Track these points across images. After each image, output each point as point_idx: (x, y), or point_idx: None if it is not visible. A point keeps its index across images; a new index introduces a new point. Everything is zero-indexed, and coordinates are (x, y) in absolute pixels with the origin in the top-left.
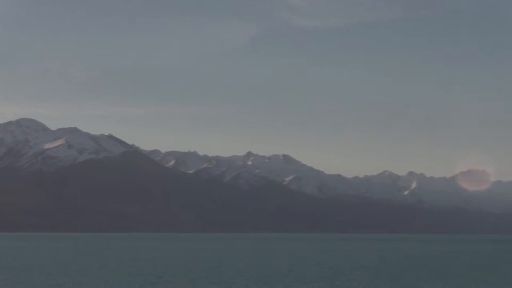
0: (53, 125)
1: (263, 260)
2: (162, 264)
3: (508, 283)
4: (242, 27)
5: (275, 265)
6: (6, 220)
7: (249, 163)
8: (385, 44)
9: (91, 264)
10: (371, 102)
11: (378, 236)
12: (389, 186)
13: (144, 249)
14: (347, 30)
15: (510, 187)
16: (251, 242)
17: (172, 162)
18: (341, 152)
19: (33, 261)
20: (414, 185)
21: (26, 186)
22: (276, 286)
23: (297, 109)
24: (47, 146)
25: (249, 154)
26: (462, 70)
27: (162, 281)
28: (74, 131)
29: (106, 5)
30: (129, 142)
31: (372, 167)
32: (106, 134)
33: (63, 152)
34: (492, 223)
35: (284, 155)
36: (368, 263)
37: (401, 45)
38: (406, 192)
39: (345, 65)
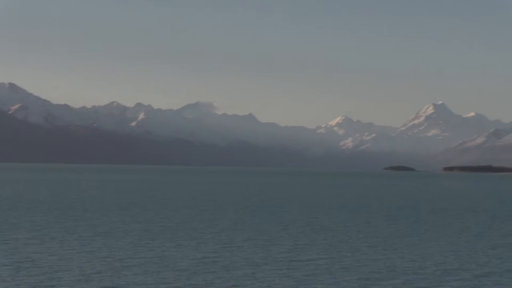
0: None
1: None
2: None
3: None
4: None
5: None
6: None
7: None
8: None
9: None
10: (99, 31)
11: (104, 167)
12: (116, 117)
13: None
14: None
15: (235, 120)
16: None
17: None
18: (69, 82)
19: None
20: (141, 116)
21: None
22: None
23: (27, 36)
24: None
25: None
26: None
27: None
28: None
29: None
30: None
31: (100, 97)
32: None
33: None
34: (217, 155)
35: (10, 83)
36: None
37: None
38: (133, 123)
39: None
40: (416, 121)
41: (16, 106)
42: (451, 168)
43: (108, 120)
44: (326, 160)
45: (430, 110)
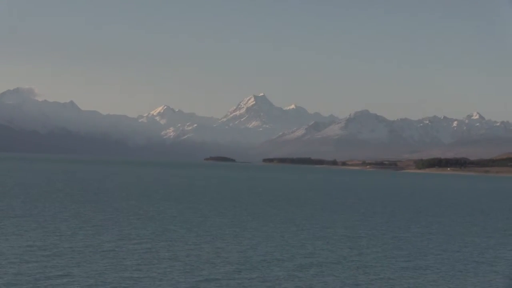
0: None
1: None
2: None
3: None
4: None
5: None
6: None
7: None
8: None
9: None
10: None
11: None
12: None
13: None
14: None
15: (56, 108)
16: None
17: None
18: None
19: None
20: None
21: None
22: None
23: None
24: None
25: None
26: None
27: None
28: None
29: None
30: None
31: None
32: None
33: None
34: (38, 143)
35: None
36: None
37: None
38: None
39: None
40: (237, 113)
41: None
42: (270, 160)
43: None
44: (147, 150)
45: (251, 101)
